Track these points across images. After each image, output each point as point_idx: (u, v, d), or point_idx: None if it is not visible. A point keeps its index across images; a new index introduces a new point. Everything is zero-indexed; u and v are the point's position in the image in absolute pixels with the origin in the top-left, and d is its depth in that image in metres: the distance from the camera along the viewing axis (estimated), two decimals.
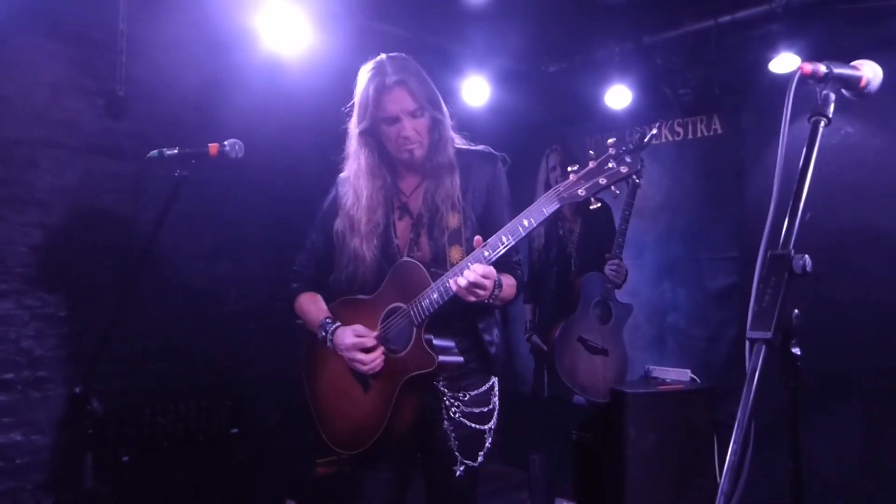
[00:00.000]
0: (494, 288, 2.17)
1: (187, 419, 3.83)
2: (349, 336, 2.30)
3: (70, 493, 3.67)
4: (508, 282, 2.29)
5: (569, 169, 2.07)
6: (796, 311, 1.18)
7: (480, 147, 2.44)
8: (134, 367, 3.91)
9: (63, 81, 3.83)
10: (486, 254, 2.10)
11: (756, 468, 1.14)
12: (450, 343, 2.26)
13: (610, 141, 2.01)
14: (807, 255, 1.18)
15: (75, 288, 3.87)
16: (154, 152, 2.56)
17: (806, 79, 1.36)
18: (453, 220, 2.31)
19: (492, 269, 2.12)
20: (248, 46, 4.06)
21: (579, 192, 2.02)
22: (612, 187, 2.02)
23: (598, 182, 2.00)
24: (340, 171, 2.51)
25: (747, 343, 1.16)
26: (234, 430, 3.98)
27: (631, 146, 1.99)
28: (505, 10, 4.33)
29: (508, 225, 2.10)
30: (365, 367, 2.27)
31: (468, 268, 2.09)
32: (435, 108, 2.30)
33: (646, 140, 2.00)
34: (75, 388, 2.51)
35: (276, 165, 4.33)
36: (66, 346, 3.82)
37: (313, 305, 2.47)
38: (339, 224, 2.41)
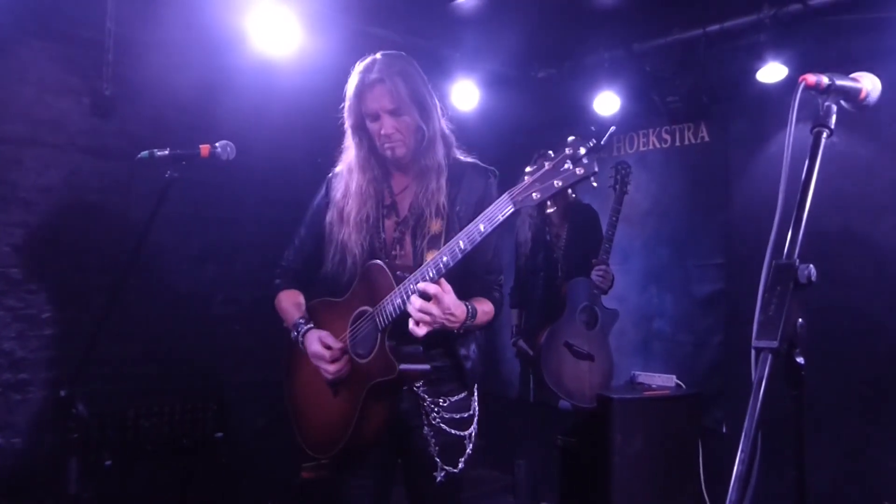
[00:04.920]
0: (466, 319, 2.17)
1: (172, 423, 3.79)
2: (315, 343, 2.29)
3: (51, 497, 3.61)
4: (484, 308, 2.27)
5: (526, 170, 2.00)
6: (800, 320, 1.18)
7: (472, 159, 2.43)
8: (118, 370, 3.85)
9: (49, 80, 3.79)
10: (445, 259, 2.06)
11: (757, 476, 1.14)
12: (417, 349, 2.22)
13: (570, 139, 1.94)
14: (811, 265, 1.18)
15: (59, 289, 3.82)
16: (144, 153, 2.54)
17: (809, 89, 1.37)
18: (435, 226, 2.29)
19: (443, 298, 2.06)
20: (238, 48, 4.03)
21: (533, 195, 1.96)
22: (569, 190, 1.97)
23: (552, 184, 1.93)
24: (328, 172, 2.52)
25: (753, 352, 1.15)
26: (220, 435, 3.95)
27: (590, 145, 1.91)
28: (495, 15, 4.33)
29: (465, 230, 2.06)
30: (329, 377, 2.28)
31: (415, 293, 2.07)
32: (421, 110, 2.29)
33: (603, 140, 1.93)
34: (60, 392, 2.48)
35: (266, 168, 4.30)
36: (49, 349, 3.77)
37: (291, 304, 2.47)
38: (329, 216, 2.42)
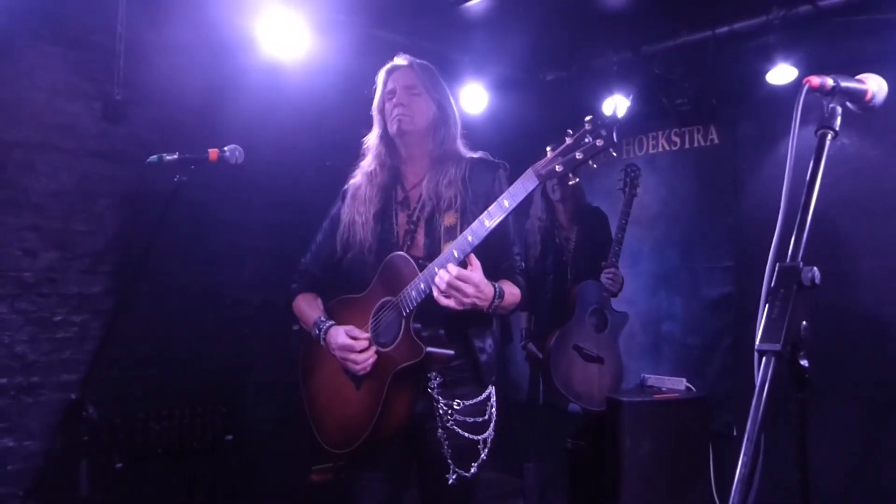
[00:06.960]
0: (494, 298, 2.17)
1: (182, 426, 3.81)
2: (342, 336, 2.30)
3: (62, 499, 3.64)
4: (511, 290, 2.28)
5: (547, 148, 2.08)
6: (804, 322, 1.17)
7: (481, 154, 2.46)
8: (128, 373, 3.88)
9: (61, 85, 3.82)
10: (470, 238, 2.10)
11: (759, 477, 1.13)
12: (440, 332, 2.24)
13: (587, 118, 2.02)
14: (815, 268, 1.18)
15: (70, 292, 3.84)
16: (154, 157, 2.57)
17: (813, 91, 1.37)
18: (450, 219, 2.29)
19: (473, 276, 2.09)
20: (247, 52, 4.06)
21: (556, 168, 2.03)
22: (590, 162, 2.02)
23: (574, 157, 2.01)
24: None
25: (756, 355, 1.15)
26: (229, 437, 3.97)
27: (606, 120, 1.99)
28: (503, 18, 4.34)
29: (489, 208, 2.10)
30: (357, 368, 2.28)
31: (444, 268, 2.08)
32: (438, 107, 2.38)
33: (621, 115, 2.01)
34: (71, 394, 2.51)
35: (275, 171, 4.31)
36: (60, 352, 3.79)
37: (308, 305, 2.50)
38: (345, 210, 2.45)
